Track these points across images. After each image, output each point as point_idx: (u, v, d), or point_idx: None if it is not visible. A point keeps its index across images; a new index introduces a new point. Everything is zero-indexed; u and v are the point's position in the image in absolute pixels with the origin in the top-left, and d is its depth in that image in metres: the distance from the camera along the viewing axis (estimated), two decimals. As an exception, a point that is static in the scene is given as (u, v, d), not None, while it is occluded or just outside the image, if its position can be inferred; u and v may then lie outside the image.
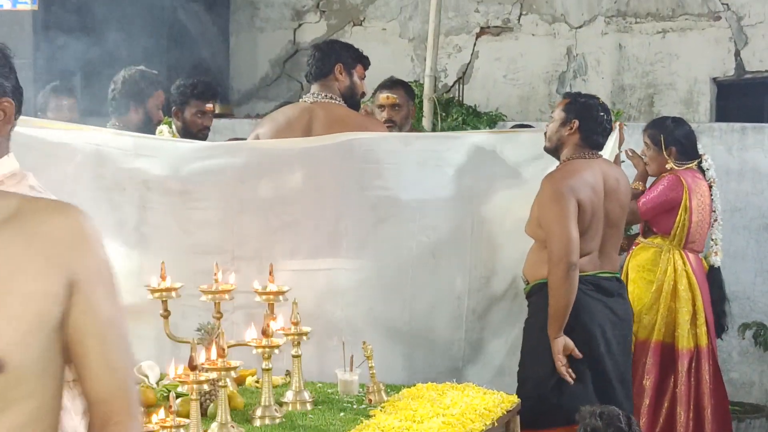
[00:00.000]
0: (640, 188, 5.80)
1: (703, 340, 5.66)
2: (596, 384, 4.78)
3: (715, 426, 5.65)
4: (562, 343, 4.76)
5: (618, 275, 5.03)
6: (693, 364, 5.66)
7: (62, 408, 2.35)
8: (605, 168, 4.89)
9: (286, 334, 4.14)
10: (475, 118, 7.21)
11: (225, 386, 3.71)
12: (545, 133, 4.94)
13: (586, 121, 4.86)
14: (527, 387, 4.84)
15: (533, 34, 7.96)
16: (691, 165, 5.77)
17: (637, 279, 5.76)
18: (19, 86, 2.48)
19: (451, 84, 8.27)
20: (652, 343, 5.65)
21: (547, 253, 4.78)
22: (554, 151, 4.92)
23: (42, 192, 2.40)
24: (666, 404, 5.64)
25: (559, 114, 4.91)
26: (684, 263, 5.70)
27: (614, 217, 4.92)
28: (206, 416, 3.85)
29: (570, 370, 4.76)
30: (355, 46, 5.25)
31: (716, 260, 5.93)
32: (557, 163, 4.94)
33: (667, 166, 5.75)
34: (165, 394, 4.02)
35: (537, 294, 4.86)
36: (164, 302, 4.44)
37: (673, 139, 5.78)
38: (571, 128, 4.86)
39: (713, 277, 5.87)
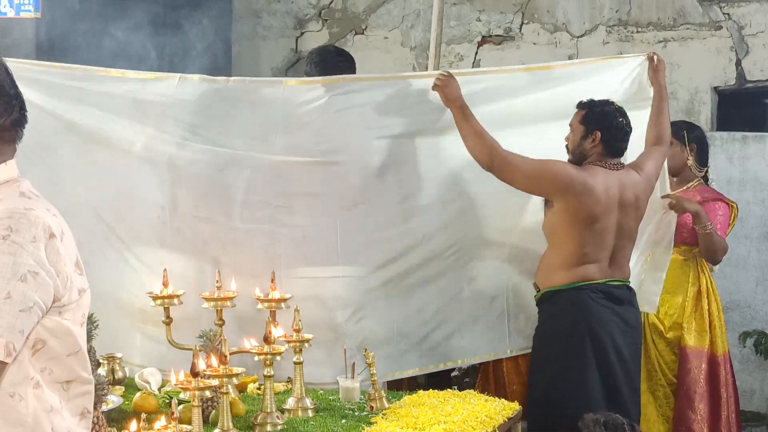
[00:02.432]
0: (707, 230, 5.47)
1: (725, 345, 5.66)
2: (606, 391, 4.79)
3: (737, 429, 5.65)
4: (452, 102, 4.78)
5: (628, 283, 5.00)
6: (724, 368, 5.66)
7: (52, 409, 2.37)
8: (624, 180, 4.86)
9: (288, 341, 4.15)
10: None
11: (227, 393, 3.72)
12: (566, 146, 4.92)
13: (608, 130, 4.82)
14: (536, 394, 4.85)
15: (535, 43, 7.97)
16: (703, 174, 5.73)
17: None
18: (20, 96, 2.46)
19: (452, 93, 8.25)
20: (706, 350, 5.58)
21: (546, 258, 4.79)
22: (577, 163, 4.89)
23: (32, 198, 2.38)
24: (710, 409, 5.59)
25: (577, 126, 4.86)
26: (707, 270, 5.69)
27: (628, 229, 4.91)
28: (208, 423, 3.86)
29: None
30: None
31: (714, 268, 5.94)
32: None
33: (688, 163, 5.68)
34: (167, 401, 4.03)
35: (548, 301, 4.87)
36: (166, 309, 4.47)
37: (695, 136, 5.75)
38: (594, 140, 4.82)
39: None
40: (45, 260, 2.31)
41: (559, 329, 4.81)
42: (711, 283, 5.65)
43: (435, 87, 4.80)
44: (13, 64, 4.87)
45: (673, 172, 5.67)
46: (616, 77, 5.16)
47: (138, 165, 4.91)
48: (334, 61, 5.23)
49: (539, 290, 4.90)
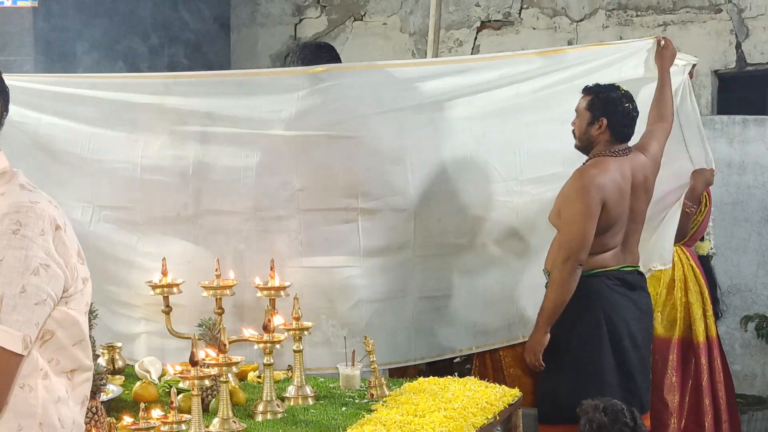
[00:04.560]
0: (688, 210, 5.56)
1: (713, 330, 5.66)
2: (620, 379, 4.78)
3: (729, 414, 5.65)
4: (547, 339, 4.76)
5: (638, 268, 4.99)
6: (708, 355, 5.65)
7: (59, 399, 2.38)
8: (635, 164, 4.84)
9: (288, 330, 4.15)
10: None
11: (226, 381, 3.72)
12: (573, 132, 4.89)
13: (614, 116, 4.78)
14: (549, 383, 4.83)
15: (534, 28, 7.95)
16: None
17: None
18: (5, 87, 2.48)
19: (452, 78, 8.24)
20: (675, 340, 5.60)
21: (557, 244, 4.77)
22: (585, 149, 4.87)
23: (32, 190, 2.40)
24: (689, 398, 5.60)
25: (583, 113, 4.82)
26: (687, 256, 5.69)
27: (639, 212, 4.89)
28: (208, 411, 3.86)
29: (543, 362, 4.80)
30: None
31: (711, 250, 5.93)
32: None
33: None
34: (167, 390, 4.02)
35: None
36: (166, 298, 4.47)
37: None
38: (600, 126, 4.79)
39: (703, 265, 5.87)
40: (54, 252, 2.34)
41: (574, 318, 4.77)
42: (691, 270, 5.65)
43: (527, 361, 4.88)
44: (29, 78, 4.97)
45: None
46: (626, 60, 5.16)
47: (162, 163, 4.96)
48: (317, 54, 5.25)
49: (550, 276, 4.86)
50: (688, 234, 5.67)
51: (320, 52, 5.24)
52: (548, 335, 4.77)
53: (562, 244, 4.71)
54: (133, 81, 5.07)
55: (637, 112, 4.88)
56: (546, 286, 4.89)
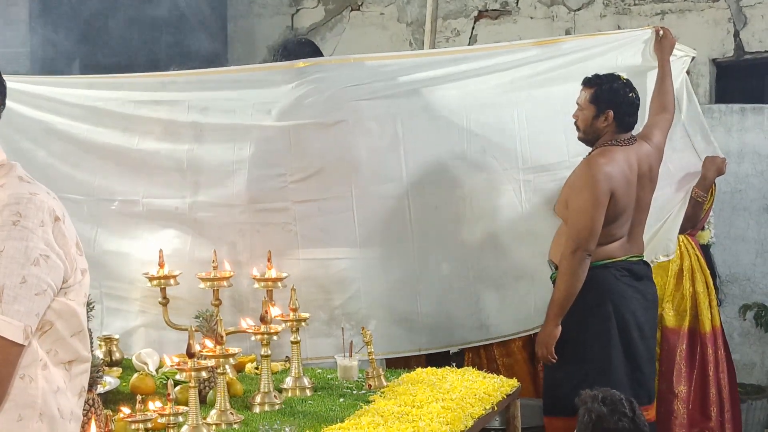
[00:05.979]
0: (700, 199, 5.54)
1: (717, 320, 5.65)
2: (628, 370, 4.76)
3: (731, 403, 5.65)
4: (558, 331, 4.74)
5: (644, 257, 4.98)
6: (713, 345, 5.65)
7: (58, 390, 2.39)
8: (640, 153, 4.82)
9: (285, 321, 4.15)
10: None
11: (224, 373, 3.71)
12: (576, 124, 4.86)
13: (620, 106, 4.76)
14: (555, 375, 4.81)
15: (532, 17, 7.93)
16: None
17: None
18: (2, 81, 2.50)
19: (449, 68, 8.20)
20: (684, 330, 5.59)
21: (563, 235, 4.75)
22: (590, 141, 4.83)
23: (30, 182, 2.42)
24: (695, 388, 5.60)
25: (587, 106, 4.77)
26: (692, 246, 5.68)
27: (644, 202, 4.87)
28: (205, 403, 3.85)
29: (555, 355, 4.76)
30: None
31: (711, 238, 5.93)
32: None
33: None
34: (164, 382, 4.02)
35: None
36: (163, 290, 4.47)
37: None
38: (607, 119, 4.75)
39: (704, 254, 5.86)
40: (54, 243, 2.36)
41: (583, 310, 4.74)
42: (697, 260, 5.64)
43: (539, 354, 4.83)
44: (29, 79, 4.99)
45: None
46: (623, 50, 5.15)
47: (157, 156, 4.98)
48: (297, 51, 5.26)
49: (556, 268, 4.82)
50: (699, 222, 5.67)
51: (302, 48, 5.26)
52: (559, 327, 4.73)
53: (570, 235, 4.68)
54: (129, 81, 5.07)
55: (639, 99, 4.86)
56: (551, 278, 4.87)
